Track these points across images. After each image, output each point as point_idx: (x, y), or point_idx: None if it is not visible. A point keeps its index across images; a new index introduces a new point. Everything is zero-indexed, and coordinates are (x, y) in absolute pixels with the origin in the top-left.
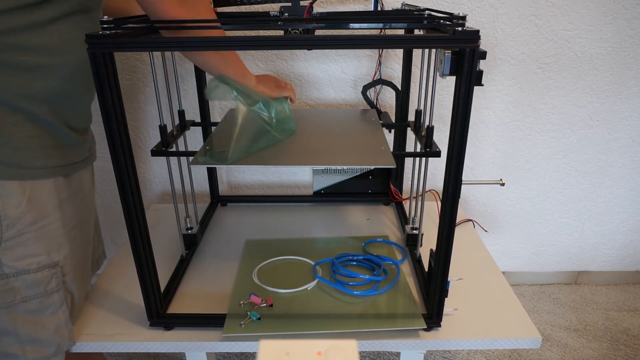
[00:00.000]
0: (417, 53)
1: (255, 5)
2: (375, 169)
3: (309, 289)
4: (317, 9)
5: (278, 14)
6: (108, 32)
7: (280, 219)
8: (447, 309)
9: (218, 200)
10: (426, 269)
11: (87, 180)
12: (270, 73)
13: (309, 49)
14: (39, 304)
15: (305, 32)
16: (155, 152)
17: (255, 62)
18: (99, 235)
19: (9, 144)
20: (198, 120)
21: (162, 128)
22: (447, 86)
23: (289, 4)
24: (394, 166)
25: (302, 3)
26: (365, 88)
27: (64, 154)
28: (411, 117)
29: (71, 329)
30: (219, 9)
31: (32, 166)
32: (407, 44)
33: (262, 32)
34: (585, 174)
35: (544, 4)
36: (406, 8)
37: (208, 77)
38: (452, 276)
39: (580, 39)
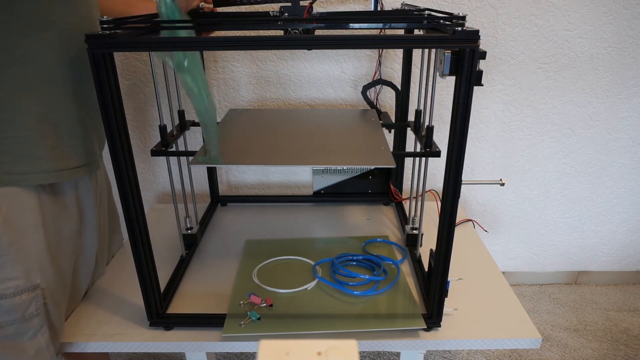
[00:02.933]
0: (417, 53)
1: (256, 5)
2: (375, 169)
3: (308, 289)
4: (317, 8)
5: (278, 14)
6: (108, 32)
7: (280, 219)
8: (447, 309)
9: (218, 200)
10: (426, 269)
11: (86, 190)
12: (271, 73)
13: (309, 49)
14: (16, 330)
15: (305, 32)
16: (155, 152)
17: (255, 62)
18: (105, 249)
19: None
20: (198, 120)
21: (162, 128)
22: (447, 86)
23: (289, 4)
24: (393, 166)
25: (302, 3)
26: (365, 88)
27: (53, 156)
28: (411, 117)
29: (53, 352)
30: (219, 9)
31: (12, 171)
32: (407, 44)
33: (262, 32)
34: (585, 174)
35: (544, 4)
36: (406, 8)
37: (208, 77)
38: (452, 276)
39: (580, 39)
